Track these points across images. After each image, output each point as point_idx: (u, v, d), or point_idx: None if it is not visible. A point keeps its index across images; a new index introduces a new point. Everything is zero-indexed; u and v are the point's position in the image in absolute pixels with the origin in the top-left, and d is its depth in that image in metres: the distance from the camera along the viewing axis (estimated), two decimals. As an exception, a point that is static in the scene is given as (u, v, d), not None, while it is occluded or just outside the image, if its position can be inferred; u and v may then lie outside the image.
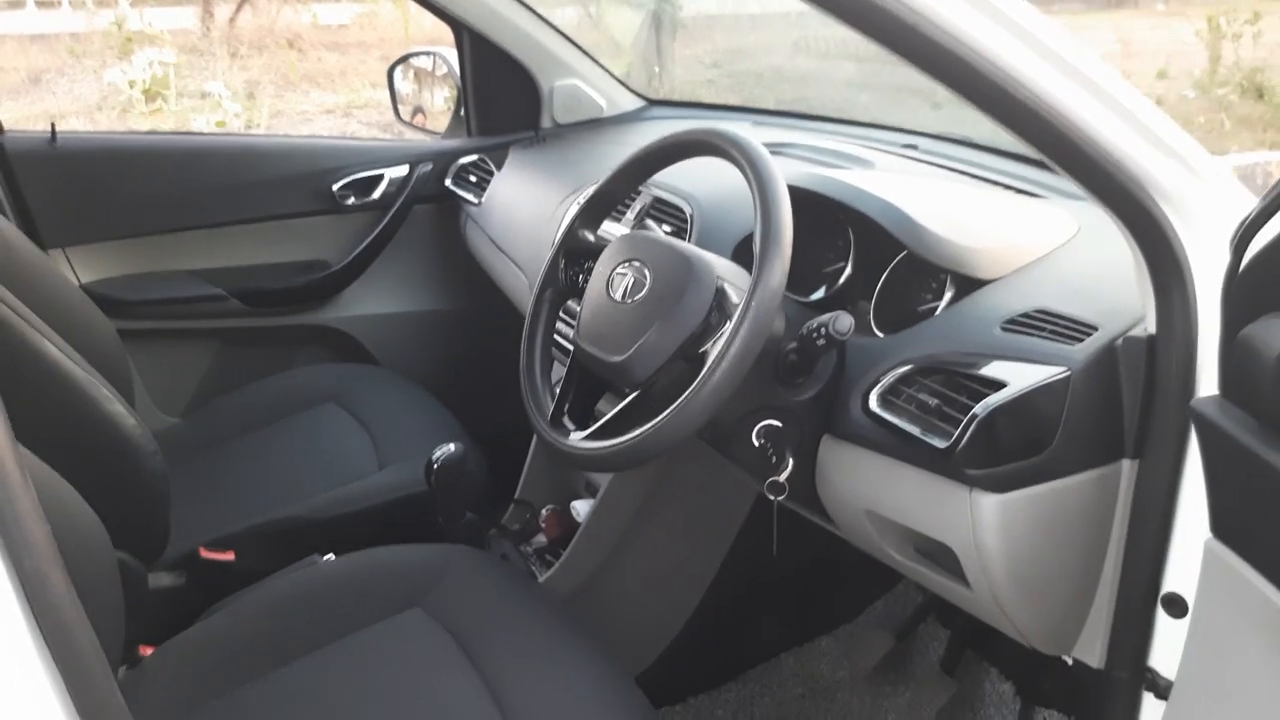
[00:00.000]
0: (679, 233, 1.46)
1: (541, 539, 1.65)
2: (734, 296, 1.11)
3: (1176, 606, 1.03)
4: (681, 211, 1.49)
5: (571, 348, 1.24)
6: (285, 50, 8.45)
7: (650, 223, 1.43)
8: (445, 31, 2.14)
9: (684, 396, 1.04)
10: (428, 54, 2.29)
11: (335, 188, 2.10)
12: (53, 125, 1.96)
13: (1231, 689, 0.94)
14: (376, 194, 2.13)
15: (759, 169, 1.10)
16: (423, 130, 2.33)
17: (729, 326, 1.05)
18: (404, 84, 2.41)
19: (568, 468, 1.69)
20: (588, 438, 1.15)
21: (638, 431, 1.07)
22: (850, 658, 1.75)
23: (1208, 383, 0.96)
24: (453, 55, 2.15)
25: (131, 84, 5.37)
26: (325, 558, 1.45)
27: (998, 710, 1.65)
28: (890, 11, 0.84)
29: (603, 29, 5.79)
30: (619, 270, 1.18)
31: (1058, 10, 12.46)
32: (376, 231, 2.15)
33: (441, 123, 2.28)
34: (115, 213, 2.01)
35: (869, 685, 1.70)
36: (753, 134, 1.84)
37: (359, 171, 2.12)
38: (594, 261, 1.26)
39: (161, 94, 5.48)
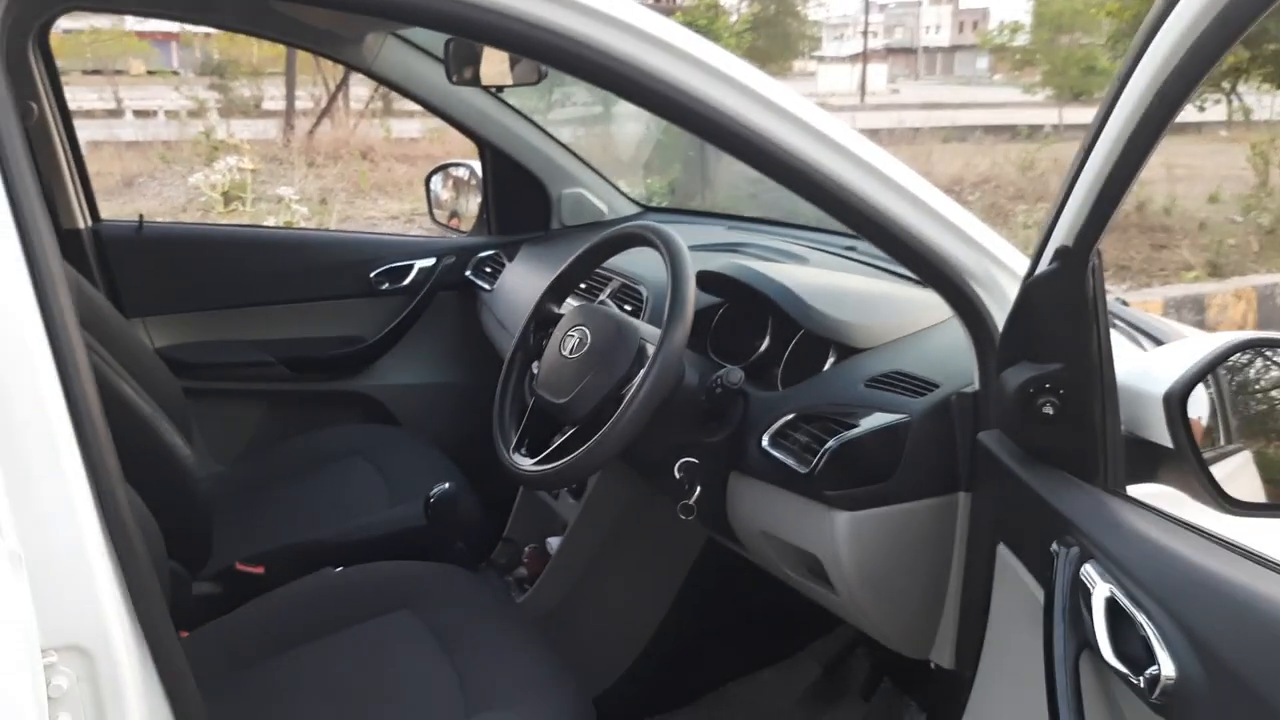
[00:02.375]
0: (636, 311, 1.76)
1: (523, 571, 1.92)
2: (651, 352, 1.41)
3: None
4: (640, 294, 1.80)
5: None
6: (358, 161, 9.10)
7: (610, 301, 1.74)
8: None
9: (603, 430, 1.33)
10: (461, 165, 2.66)
11: (372, 275, 2.45)
12: (140, 216, 2.36)
13: (1010, 667, 1.17)
14: (407, 281, 2.47)
15: (673, 255, 1.40)
16: (456, 232, 2.66)
17: (640, 375, 1.35)
18: (443, 191, 2.77)
19: (529, 489, 1.98)
20: (536, 463, 1.44)
21: (569, 458, 1.36)
22: (785, 687, 1.97)
23: None
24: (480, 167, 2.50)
25: (213, 187, 5.93)
26: (336, 569, 1.74)
27: None
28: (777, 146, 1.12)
29: (658, 146, 6.18)
30: (569, 333, 1.48)
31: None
32: (405, 313, 2.48)
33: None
34: (187, 289, 2.37)
35: (799, 710, 1.92)
36: (725, 236, 2.15)
37: (393, 262, 2.47)
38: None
39: (239, 197, 6.03)
